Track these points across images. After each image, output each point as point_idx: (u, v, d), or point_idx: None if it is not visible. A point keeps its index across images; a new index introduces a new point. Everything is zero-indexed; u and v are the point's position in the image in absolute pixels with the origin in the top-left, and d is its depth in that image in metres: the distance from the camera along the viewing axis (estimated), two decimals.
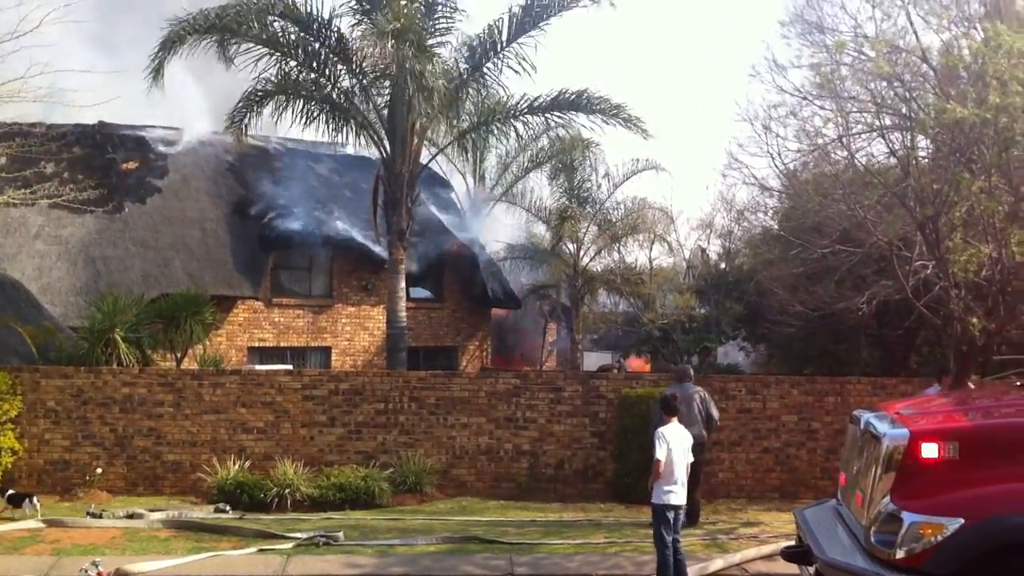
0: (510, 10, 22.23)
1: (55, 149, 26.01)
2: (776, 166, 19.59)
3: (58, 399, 15.95)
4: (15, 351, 18.12)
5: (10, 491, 13.88)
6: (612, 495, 15.98)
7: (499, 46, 22.47)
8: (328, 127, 22.90)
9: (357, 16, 21.95)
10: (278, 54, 21.87)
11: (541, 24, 22.38)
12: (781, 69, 16.62)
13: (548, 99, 22.93)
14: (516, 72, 22.41)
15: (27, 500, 13.52)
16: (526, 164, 33.37)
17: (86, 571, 10.05)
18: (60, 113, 22.91)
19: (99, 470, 15.55)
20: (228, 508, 14.27)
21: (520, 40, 22.36)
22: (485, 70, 22.85)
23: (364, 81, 22.57)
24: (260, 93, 21.85)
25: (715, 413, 14.11)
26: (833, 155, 17.14)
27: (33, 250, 24.24)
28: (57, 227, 24.84)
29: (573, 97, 22.89)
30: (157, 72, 21.20)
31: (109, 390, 16.06)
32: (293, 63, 22.11)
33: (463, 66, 22.95)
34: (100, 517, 13.49)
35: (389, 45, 19.65)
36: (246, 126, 22.26)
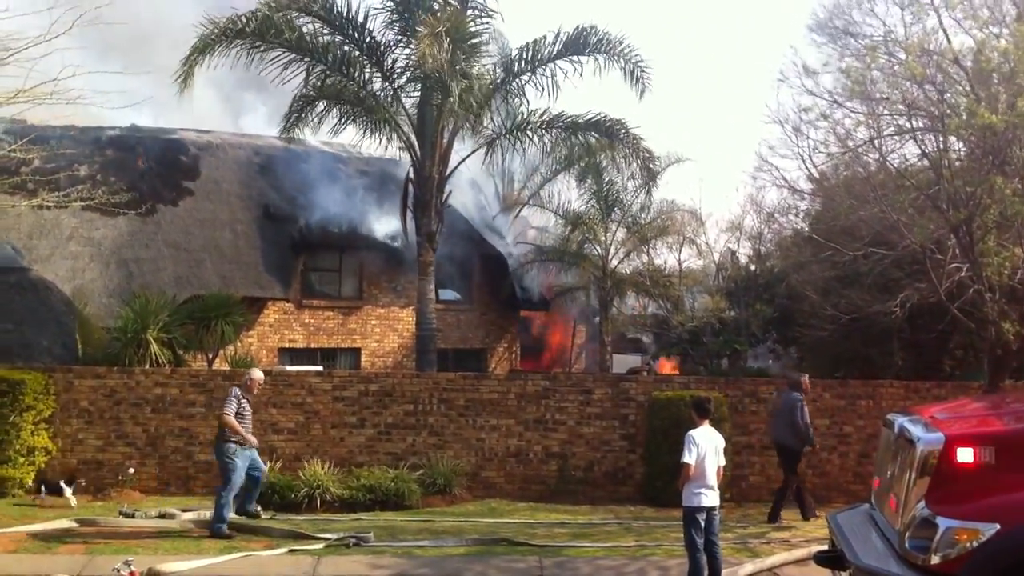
0: (565, 33, 22.46)
1: (88, 152, 26.31)
2: (807, 168, 19.54)
3: (91, 399, 16.10)
4: (49, 352, 18.35)
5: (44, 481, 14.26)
6: (642, 498, 15.95)
7: (538, 61, 22.62)
8: (359, 130, 23.10)
9: (393, 16, 22.12)
10: (308, 59, 22.00)
11: (585, 54, 22.57)
12: (812, 73, 16.54)
13: (585, 121, 23.05)
14: (546, 89, 22.78)
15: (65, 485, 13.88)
16: (553, 167, 33.36)
17: (118, 570, 10.11)
18: (92, 116, 23.14)
19: (131, 470, 15.69)
20: (259, 508, 14.32)
21: (560, 62, 22.60)
22: (518, 81, 23.00)
23: (395, 84, 22.67)
24: (302, 98, 22.09)
25: (799, 420, 14.42)
26: (864, 157, 17.05)
27: (66, 252, 24.48)
28: (90, 229, 25.09)
29: (604, 123, 23.02)
30: (186, 78, 21.31)
31: (141, 390, 16.20)
32: (322, 67, 22.25)
33: (497, 72, 23.05)
34: (132, 516, 13.57)
35: (445, 44, 19.74)
36: (295, 128, 22.60)
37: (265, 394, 16.30)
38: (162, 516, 13.57)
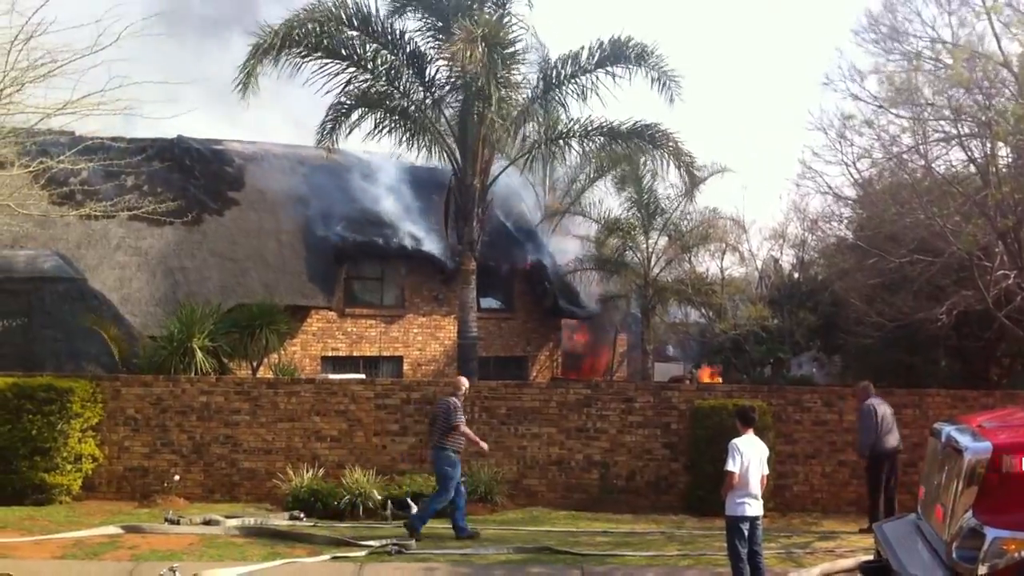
0: (600, 42, 22.60)
1: (135, 162, 26.67)
2: (851, 175, 19.37)
3: (138, 407, 16.30)
4: (96, 359, 18.63)
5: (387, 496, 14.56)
6: (685, 507, 15.84)
7: (579, 71, 22.74)
8: (401, 139, 23.31)
9: (431, 25, 22.32)
10: (352, 68, 22.24)
11: (619, 64, 22.65)
12: (858, 75, 16.42)
13: (625, 128, 23.12)
14: (585, 99, 22.98)
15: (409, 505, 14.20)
16: (591, 174, 33.38)
17: None
18: (140, 126, 23.50)
19: (177, 477, 15.86)
20: (303, 515, 14.44)
21: (597, 72, 22.68)
22: (558, 91, 23.13)
23: (436, 94, 22.85)
24: (344, 106, 22.32)
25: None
26: (910, 164, 16.87)
27: (114, 261, 24.87)
28: (137, 239, 25.46)
29: (645, 130, 23.07)
30: (246, 86, 21.51)
31: (187, 398, 16.38)
32: (366, 76, 22.47)
33: (537, 82, 23.18)
34: (178, 523, 13.74)
35: (480, 49, 19.88)
36: (335, 138, 22.82)
37: (308, 402, 16.44)
38: (207, 523, 13.71)
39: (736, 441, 10.34)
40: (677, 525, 14.74)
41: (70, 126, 18.36)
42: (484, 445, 13.79)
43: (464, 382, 14.22)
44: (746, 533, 10.21)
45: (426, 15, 22.61)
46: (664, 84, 22.72)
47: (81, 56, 14.42)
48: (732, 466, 10.12)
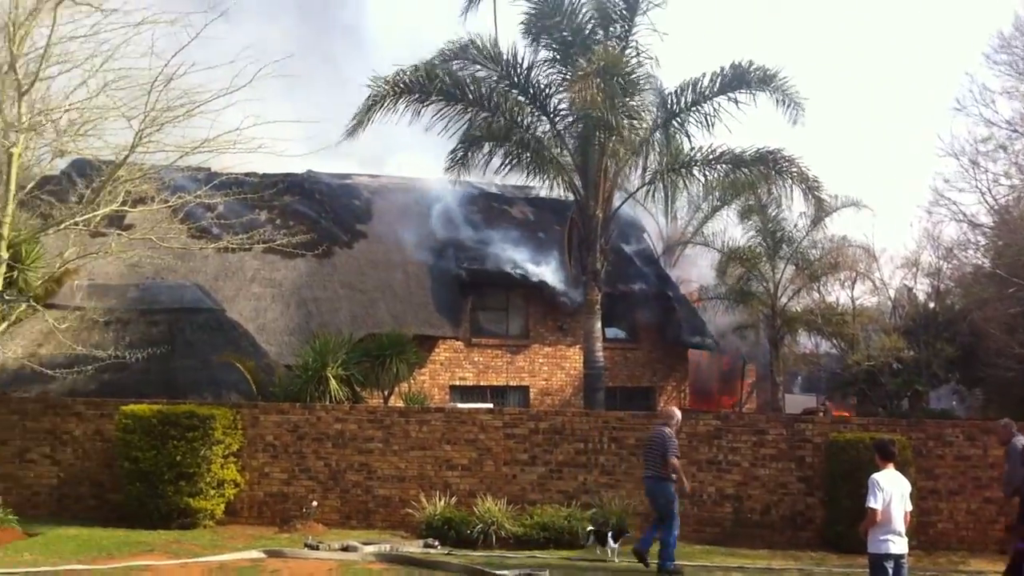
0: (721, 67, 22.59)
1: (267, 197, 27.54)
2: (986, 202, 18.75)
3: (276, 434, 16.71)
4: (235, 388, 19.19)
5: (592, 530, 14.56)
6: (822, 543, 15.43)
7: (699, 98, 22.68)
8: (525, 171, 23.58)
9: (555, 58, 22.59)
10: (471, 107, 22.70)
11: (741, 89, 22.50)
12: (991, 99, 15.90)
13: (749, 155, 22.90)
14: (710, 126, 22.97)
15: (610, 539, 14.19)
16: (714, 203, 33.10)
17: None
18: (272, 162, 24.27)
19: (315, 503, 16.17)
20: (436, 543, 14.58)
21: (718, 99, 22.60)
22: (679, 119, 23.11)
23: (558, 126, 23.04)
24: (468, 141, 22.82)
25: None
26: None
27: (249, 292, 25.66)
28: (271, 271, 26.24)
29: (769, 156, 22.81)
30: (356, 128, 22.39)
31: (323, 426, 16.72)
32: (485, 113, 22.88)
33: (657, 112, 23.16)
34: (317, 549, 14.04)
35: (594, 83, 20.02)
36: (460, 172, 23.59)
37: (439, 430, 16.60)
38: (344, 549, 13.98)
39: (876, 476, 10.06)
40: (817, 562, 14.38)
41: (206, 163, 19.13)
42: (687, 484, 14.02)
43: (676, 412, 14.33)
44: (890, 572, 9.91)
45: (551, 46, 22.88)
46: (789, 106, 22.47)
47: (216, 96, 14.97)
48: (874, 503, 9.87)
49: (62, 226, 15.17)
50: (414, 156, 35.10)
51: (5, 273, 14.79)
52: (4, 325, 15.24)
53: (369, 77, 22.51)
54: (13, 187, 14.29)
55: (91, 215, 15.02)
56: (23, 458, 16.34)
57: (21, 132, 14.00)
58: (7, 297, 13.72)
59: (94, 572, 12.55)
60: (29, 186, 15.34)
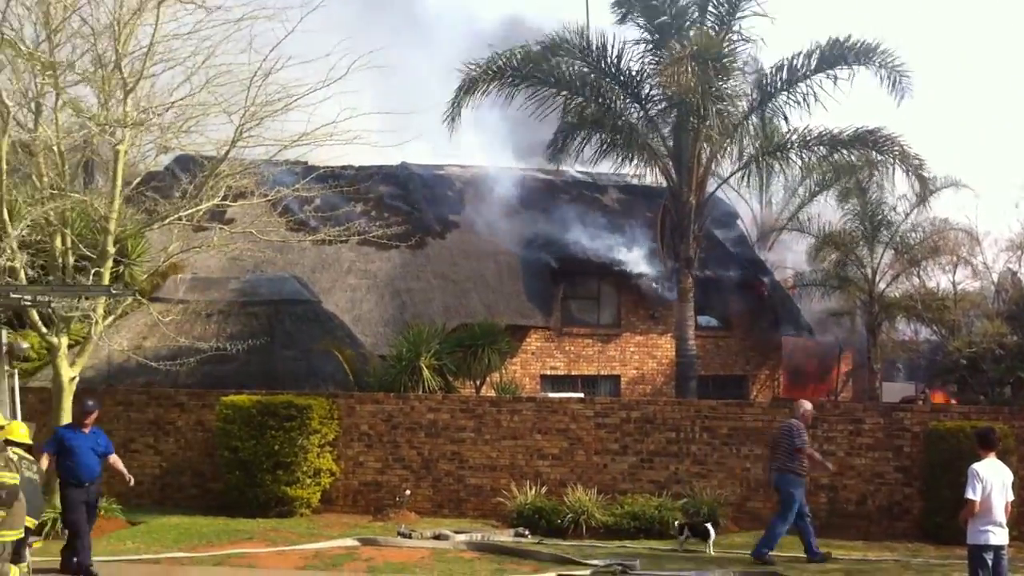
0: (817, 44, 22.09)
1: (362, 189, 28.03)
2: None
3: (370, 423, 17.04)
4: (332, 378, 19.63)
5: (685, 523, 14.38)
6: (920, 534, 15.14)
7: (796, 77, 22.24)
8: (617, 158, 23.54)
9: (644, 39, 22.50)
10: (565, 92, 22.67)
11: (838, 67, 22.00)
12: None
13: (847, 135, 22.40)
14: (807, 106, 22.46)
15: (710, 532, 13.97)
16: (812, 188, 32.49)
17: None
18: (366, 154, 24.69)
19: (408, 492, 16.45)
20: (527, 532, 14.73)
21: (815, 77, 22.15)
22: (774, 101, 22.72)
23: (651, 112, 22.89)
24: (564, 128, 22.86)
25: None
26: None
27: (345, 284, 26.16)
28: (366, 262, 26.70)
29: (868, 136, 22.29)
30: (454, 117, 22.60)
31: (416, 415, 16.99)
32: (579, 99, 22.85)
33: (752, 94, 22.82)
34: (409, 537, 14.31)
35: (690, 67, 19.84)
36: (558, 159, 24.01)
37: (530, 420, 16.73)
38: (437, 537, 14.22)
39: (976, 466, 9.87)
40: (913, 553, 14.12)
41: (303, 157, 19.56)
42: (830, 466, 14.06)
43: (807, 404, 14.27)
44: (990, 563, 9.73)
45: (644, 31, 22.74)
46: (895, 81, 21.84)
47: (313, 90, 15.28)
48: (972, 494, 9.68)
49: (166, 221, 15.67)
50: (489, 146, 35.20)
51: (112, 268, 15.34)
52: (111, 319, 15.84)
53: (462, 61, 22.70)
54: (119, 183, 14.81)
55: (194, 210, 15.47)
56: (128, 448, 16.89)
57: (127, 129, 14.48)
58: (114, 291, 14.24)
59: (195, 560, 13.03)
60: (135, 182, 15.87)
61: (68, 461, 12.01)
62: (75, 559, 11.84)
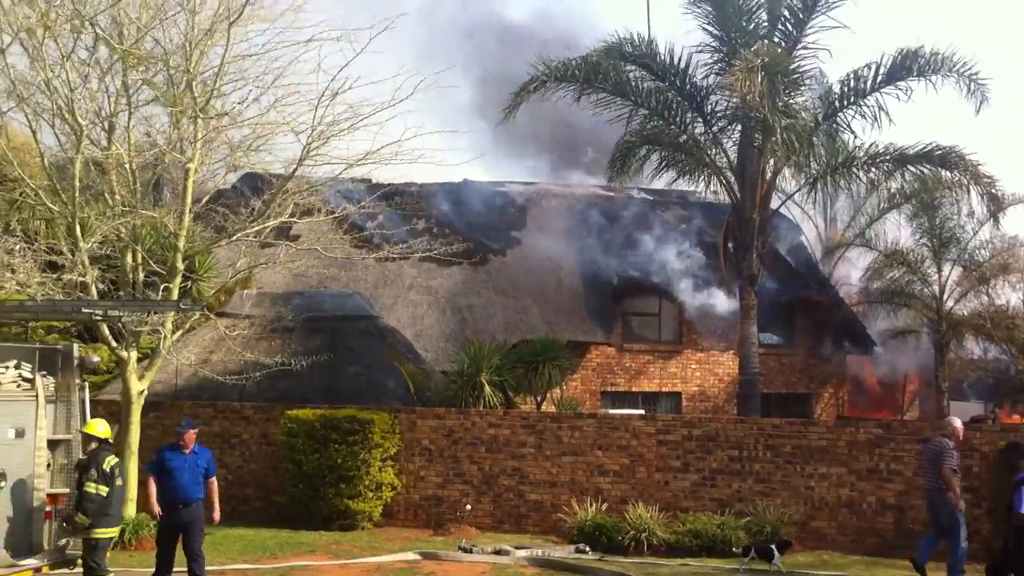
0: (889, 57, 21.74)
1: (425, 206, 28.29)
2: None
3: (432, 438, 17.14)
4: (394, 393, 19.79)
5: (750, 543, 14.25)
6: (990, 555, 14.78)
7: (863, 90, 21.93)
8: (679, 174, 23.45)
9: (716, 56, 22.36)
10: (630, 103, 22.60)
11: (908, 78, 21.68)
12: None
13: (916, 152, 22.09)
14: (875, 120, 22.02)
15: (774, 554, 13.75)
16: (881, 205, 32.02)
17: None
18: (428, 172, 24.94)
19: (468, 507, 16.52)
20: (588, 549, 14.71)
21: (884, 90, 21.83)
22: (841, 116, 22.44)
23: (715, 127, 22.77)
24: (628, 144, 22.89)
25: None
26: None
27: (407, 300, 26.39)
28: (428, 279, 26.91)
29: (940, 153, 21.91)
30: (511, 112, 22.61)
31: (476, 430, 17.06)
32: (644, 111, 22.77)
33: (818, 108, 22.57)
34: (470, 552, 14.36)
35: (759, 79, 19.63)
36: (621, 175, 23.85)
37: (591, 436, 16.70)
38: (497, 553, 14.25)
39: None
40: (981, 574, 13.79)
41: (367, 175, 19.80)
42: (960, 504, 13.09)
43: (956, 421, 13.80)
44: None
45: (710, 46, 22.62)
46: (972, 91, 21.41)
47: (380, 109, 15.47)
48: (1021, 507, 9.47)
49: (234, 238, 15.95)
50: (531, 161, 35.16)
51: (180, 283, 15.65)
52: (179, 333, 16.15)
53: (530, 63, 22.64)
54: (189, 201, 15.12)
55: (262, 227, 15.74)
56: None
57: (197, 147, 14.80)
58: (182, 306, 14.52)
59: (259, 572, 13.21)
60: (204, 200, 16.21)
61: (167, 483, 11.56)
62: None
